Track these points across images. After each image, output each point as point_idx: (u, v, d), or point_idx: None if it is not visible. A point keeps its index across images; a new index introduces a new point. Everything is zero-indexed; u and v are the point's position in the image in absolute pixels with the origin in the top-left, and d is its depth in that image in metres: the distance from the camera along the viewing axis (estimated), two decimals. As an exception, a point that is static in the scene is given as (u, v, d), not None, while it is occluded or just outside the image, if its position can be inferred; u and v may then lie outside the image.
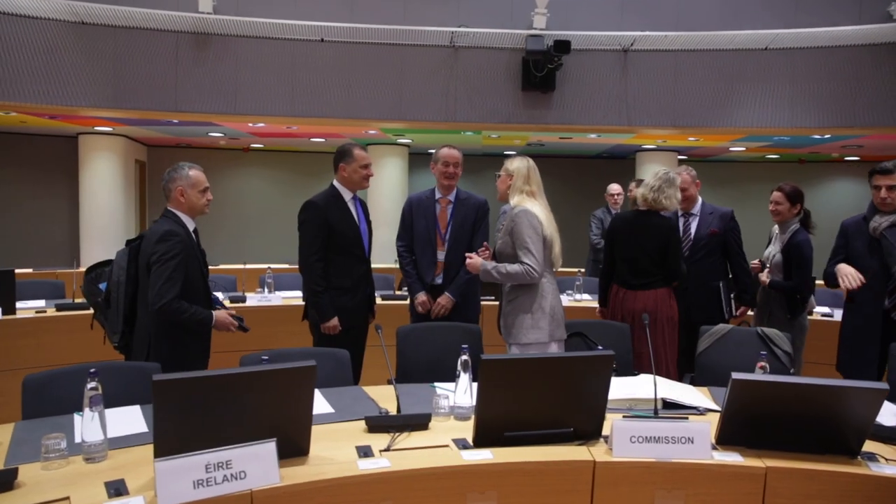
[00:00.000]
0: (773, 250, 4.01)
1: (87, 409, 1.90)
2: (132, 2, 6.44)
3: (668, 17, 7.05)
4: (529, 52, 6.69)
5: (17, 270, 4.51)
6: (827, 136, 8.10)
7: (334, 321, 3.33)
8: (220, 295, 4.35)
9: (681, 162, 10.25)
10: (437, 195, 3.70)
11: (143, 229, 11.00)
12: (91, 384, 1.91)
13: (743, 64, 7.02)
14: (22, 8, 6.20)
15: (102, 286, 2.99)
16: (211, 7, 6.50)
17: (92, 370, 1.93)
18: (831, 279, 3.41)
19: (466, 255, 3.17)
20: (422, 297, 3.63)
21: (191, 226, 2.92)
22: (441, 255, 3.63)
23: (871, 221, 3.28)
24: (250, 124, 8.14)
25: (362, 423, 2.19)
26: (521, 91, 7.01)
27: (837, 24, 6.65)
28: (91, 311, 3.14)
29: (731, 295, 3.87)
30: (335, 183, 3.47)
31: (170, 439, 1.74)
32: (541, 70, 6.76)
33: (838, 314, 4.70)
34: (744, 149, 10.00)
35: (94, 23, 6.46)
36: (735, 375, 1.95)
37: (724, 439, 2.04)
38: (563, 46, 6.50)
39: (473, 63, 7.02)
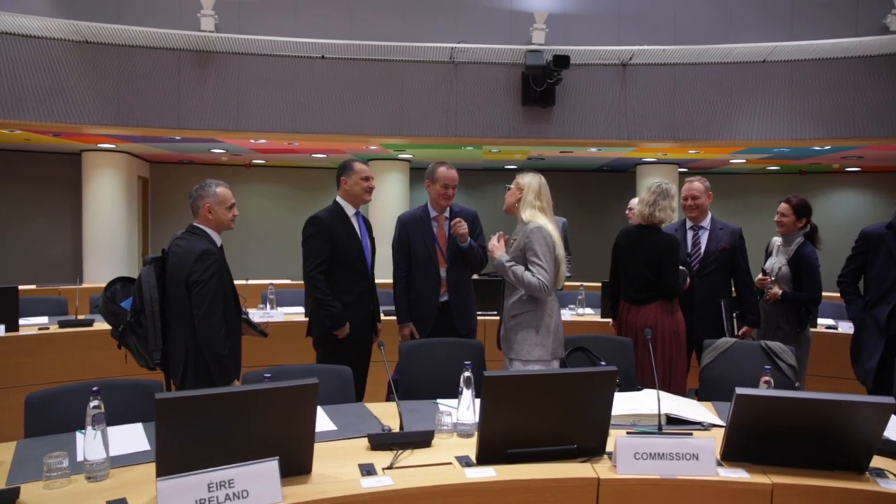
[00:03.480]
0: (778, 262, 3.99)
1: (89, 428, 1.90)
2: (135, 21, 6.51)
3: (666, 31, 7.10)
4: (529, 68, 6.74)
5: (20, 287, 4.53)
6: (827, 148, 8.13)
7: (347, 329, 3.36)
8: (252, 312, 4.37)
9: (681, 175, 10.28)
10: (433, 213, 3.66)
11: (146, 245, 11.02)
12: (93, 402, 1.90)
13: (741, 76, 7.06)
14: (27, 28, 6.26)
15: (125, 305, 2.98)
16: (213, 25, 6.57)
17: (94, 388, 1.93)
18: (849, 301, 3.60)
19: (492, 238, 3.12)
20: (406, 330, 3.62)
21: (218, 241, 2.97)
22: (444, 272, 3.62)
23: None
24: (252, 140, 8.20)
25: (365, 441, 2.18)
26: (520, 106, 7.05)
27: (834, 36, 6.69)
28: (109, 329, 3.08)
29: (735, 314, 3.79)
30: (338, 199, 3.50)
31: (172, 458, 1.74)
32: (540, 85, 6.81)
33: (842, 326, 4.71)
34: (744, 161, 10.03)
35: (97, 42, 6.52)
36: (739, 391, 1.93)
37: (730, 455, 2.02)
38: (562, 61, 6.55)
39: (473, 78, 7.07)
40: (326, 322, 3.36)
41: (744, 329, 3.79)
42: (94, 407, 1.91)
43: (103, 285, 3.11)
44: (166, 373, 2.97)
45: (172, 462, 1.73)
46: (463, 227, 3.48)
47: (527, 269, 2.97)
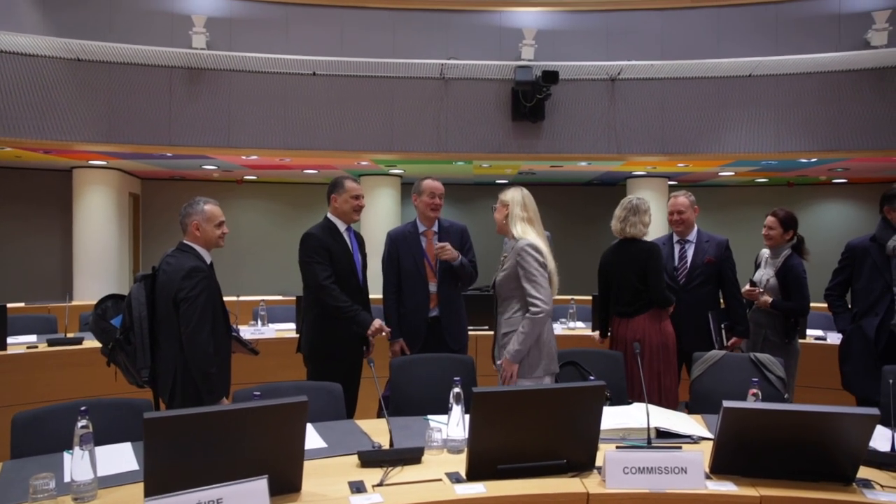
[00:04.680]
0: (766, 274, 4.03)
1: (76, 448, 1.89)
2: (127, 39, 6.54)
3: (653, 47, 7.21)
4: (518, 83, 6.81)
5: (9, 305, 4.49)
6: (813, 160, 8.22)
7: (377, 322, 3.36)
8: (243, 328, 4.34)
9: (671, 188, 10.36)
10: (421, 228, 3.68)
11: (137, 262, 10.96)
12: (81, 422, 1.89)
13: (728, 90, 7.16)
14: (19, 46, 6.28)
15: (115, 322, 2.98)
16: (204, 43, 6.61)
17: (83, 408, 1.92)
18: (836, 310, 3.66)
19: (499, 362, 3.08)
20: (396, 346, 3.64)
21: (207, 259, 2.97)
22: (433, 287, 3.64)
23: (890, 241, 3.42)
24: (243, 157, 8.21)
25: (355, 458, 2.18)
26: (510, 121, 7.12)
27: (817, 51, 6.81)
28: (98, 346, 3.06)
29: (723, 325, 3.81)
30: (329, 215, 3.51)
31: (160, 477, 1.73)
32: (530, 100, 6.87)
33: (831, 337, 4.74)
34: (733, 173, 10.11)
35: (89, 59, 6.55)
36: (726, 404, 1.95)
37: (718, 468, 2.03)
38: (551, 77, 6.62)
39: (463, 94, 7.13)
40: (354, 327, 3.36)
41: (732, 340, 3.81)
42: (82, 427, 1.90)
43: (93, 303, 3.09)
44: (155, 390, 2.96)
45: (160, 482, 1.72)
46: (447, 252, 3.50)
47: (523, 286, 2.98)
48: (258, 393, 2.35)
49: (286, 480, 1.90)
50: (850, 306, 3.75)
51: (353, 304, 3.34)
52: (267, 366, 4.18)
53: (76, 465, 1.89)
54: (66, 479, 1.96)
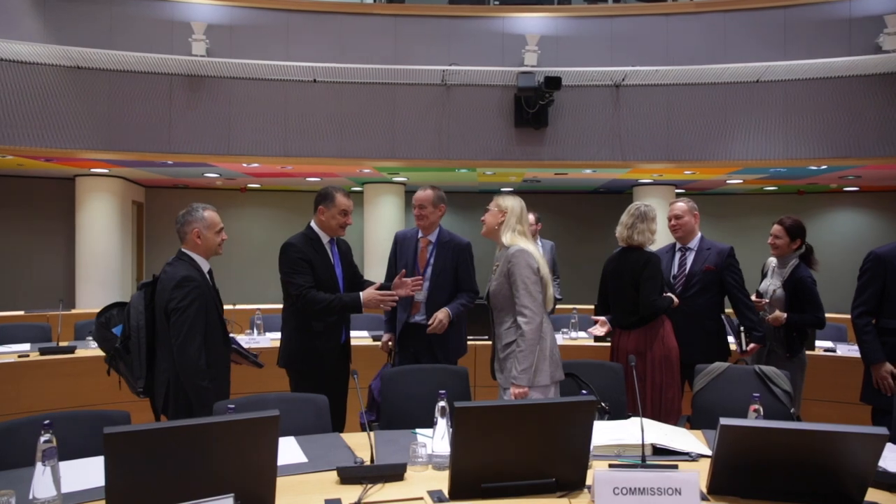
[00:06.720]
0: (773, 284, 3.90)
1: (38, 464, 1.81)
2: (127, 46, 6.53)
3: (658, 52, 7.10)
4: (521, 89, 6.73)
5: (8, 313, 4.44)
6: (823, 167, 8.08)
7: (368, 293, 3.27)
8: (239, 337, 4.27)
9: (678, 195, 10.24)
10: (420, 234, 3.68)
11: (141, 270, 10.94)
12: (45, 437, 1.82)
13: (735, 96, 7.04)
14: (19, 54, 6.29)
15: (116, 331, 2.94)
16: (204, 50, 6.59)
17: (46, 422, 1.85)
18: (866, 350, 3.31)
19: (514, 393, 2.93)
20: (385, 338, 3.71)
21: (205, 267, 2.91)
22: (418, 296, 3.56)
23: None
24: (245, 164, 8.17)
25: (335, 474, 2.08)
26: (514, 128, 7.03)
27: (827, 55, 6.68)
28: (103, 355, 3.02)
29: (741, 328, 3.66)
30: (312, 224, 3.42)
31: (122, 496, 1.65)
32: (533, 106, 6.79)
33: (841, 349, 4.59)
34: (741, 181, 9.97)
35: (89, 67, 6.54)
36: (723, 421, 1.83)
37: (716, 489, 1.92)
38: (553, 83, 6.53)
39: (465, 101, 7.06)
40: (347, 312, 3.35)
41: (752, 346, 3.66)
42: (46, 441, 1.83)
43: (95, 311, 3.07)
44: (152, 401, 2.90)
45: (123, 500, 1.64)
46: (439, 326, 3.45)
47: (513, 292, 2.89)
48: (233, 406, 2.26)
49: (257, 498, 1.80)
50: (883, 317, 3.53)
51: (334, 299, 3.26)
52: (262, 375, 4.08)
53: (38, 481, 1.82)
54: (31, 496, 1.87)
